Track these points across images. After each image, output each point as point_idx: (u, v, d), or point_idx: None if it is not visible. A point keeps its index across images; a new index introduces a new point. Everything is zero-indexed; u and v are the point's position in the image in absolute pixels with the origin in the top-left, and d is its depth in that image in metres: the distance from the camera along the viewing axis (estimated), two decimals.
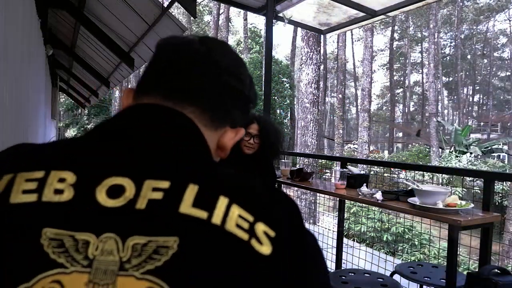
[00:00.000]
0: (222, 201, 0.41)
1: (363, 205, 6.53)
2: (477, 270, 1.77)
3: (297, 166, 3.04)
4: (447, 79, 35.96)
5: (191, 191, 0.40)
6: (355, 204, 7.80)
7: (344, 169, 2.74)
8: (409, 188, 2.05)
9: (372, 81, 16.49)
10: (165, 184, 0.40)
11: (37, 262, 0.36)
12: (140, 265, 0.36)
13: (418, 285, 2.22)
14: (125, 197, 0.39)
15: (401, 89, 37.75)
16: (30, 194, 0.39)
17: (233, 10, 23.64)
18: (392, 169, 5.45)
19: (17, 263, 0.36)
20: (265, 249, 0.40)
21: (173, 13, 4.23)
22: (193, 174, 0.43)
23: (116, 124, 0.49)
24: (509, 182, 9.63)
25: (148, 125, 0.48)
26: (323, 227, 4.79)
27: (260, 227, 0.41)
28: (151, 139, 0.46)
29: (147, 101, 0.51)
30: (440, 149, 17.33)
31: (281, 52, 38.13)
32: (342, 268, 2.96)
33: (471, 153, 13.99)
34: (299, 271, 0.42)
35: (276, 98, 17.64)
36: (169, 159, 0.44)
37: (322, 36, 9.95)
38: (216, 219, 0.39)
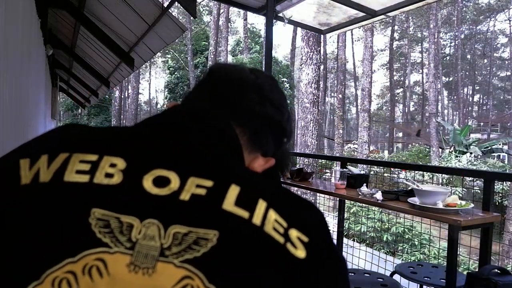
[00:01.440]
0: (261, 204, 0.42)
1: (363, 205, 6.53)
2: (477, 270, 1.77)
3: (297, 166, 3.04)
4: (447, 79, 35.97)
5: (233, 191, 0.42)
6: (355, 204, 7.80)
7: (344, 169, 2.74)
8: (409, 188, 2.05)
9: (372, 81, 16.49)
10: (209, 183, 0.42)
11: (83, 239, 0.37)
12: (179, 253, 0.37)
13: (418, 285, 2.22)
14: (169, 188, 0.41)
15: (401, 89, 37.76)
16: (83, 175, 0.41)
17: (233, 10, 23.66)
18: (392, 169, 5.45)
19: (65, 238, 0.37)
20: (300, 252, 0.41)
21: (173, 13, 4.23)
22: (235, 176, 0.45)
23: (167, 119, 0.52)
24: (509, 182, 9.63)
25: (198, 125, 0.51)
26: None
27: (294, 233, 0.42)
28: (199, 139, 0.49)
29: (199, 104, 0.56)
30: (440, 149, 17.33)
31: (281, 52, 38.17)
32: None
33: (471, 153, 13.99)
34: (331, 276, 0.43)
35: None
36: (214, 160, 0.46)
37: (322, 36, 9.95)
38: (256, 219, 0.41)
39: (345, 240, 3.40)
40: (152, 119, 0.52)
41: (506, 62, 34.43)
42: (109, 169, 0.42)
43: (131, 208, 0.39)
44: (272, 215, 0.42)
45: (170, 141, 0.47)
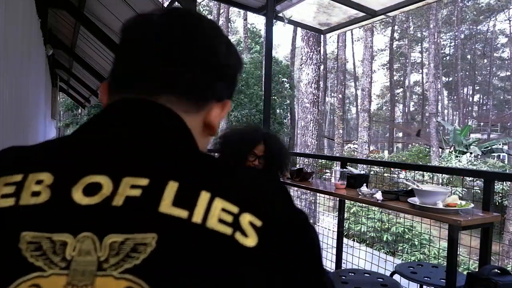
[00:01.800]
0: (204, 197, 0.40)
1: (363, 205, 6.53)
2: (477, 270, 1.77)
3: (297, 166, 3.04)
4: (447, 79, 35.96)
5: (171, 188, 0.39)
6: (355, 204, 7.80)
7: (344, 169, 2.74)
8: (409, 188, 2.05)
9: (372, 81, 16.49)
10: (144, 182, 0.39)
11: (16, 267, 0.35)
12: (118, 264, 0.35)
13: (418, 285, 2.22)
14: (101, 194, 0.38)
15: (401, 89, 37.75)
16: (8, 199, 0.39)
17: (233, 10, 23.66)
18: (392, 169, 5.45)
19: None
20: (250, 241, 0.39)
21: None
22: (173, 170, 0.42)
23: (94, 123, 0.48)
24: (509, 182, 9.63)
25: (125, 121, 0.47)
26: (323, 227, 4.79)
27: (246, 218, 0.40)
28: (129, 135, 0.45)
29: (123, 95, 0.49)
30: (440, 149, 17.33)
31: (281, 52, 38.13)
32: (342, 268, 2.96)
33: (471, 153, 13.99)
34: (290, 262, 0.40)
35: (276, 98, 17.63)
36: (148, 155, 0.43)
37: (322, 36, 9.95)
38: (197, 217, 0.38)
39: (345, 240, 3.40)
40: (82, 125, 0.48)
41: (506, 62, 34.42)
42: (36, 187, 0.39)
43: (63, 225, 0.37)
44: (218, 204, 0.39)
45: (99, 145, 0.43)
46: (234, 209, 0.40)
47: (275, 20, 3.54)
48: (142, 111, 0.47)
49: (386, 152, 25.74)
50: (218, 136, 2.71)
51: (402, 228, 7.02)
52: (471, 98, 37.86)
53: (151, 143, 0.45)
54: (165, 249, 0.36)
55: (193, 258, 0.37)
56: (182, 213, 0.38)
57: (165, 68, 0.49)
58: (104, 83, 0.53)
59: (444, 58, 34.67)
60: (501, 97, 36.67)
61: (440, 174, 6.64)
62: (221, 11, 17.07)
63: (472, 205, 1.84)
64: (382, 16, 3.40)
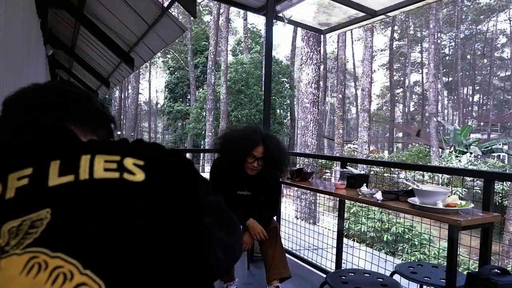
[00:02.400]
0: (85, 159, 0.45)
1: (363, 205, 6.54)
2: (477, 270, 1.77)
3: (297, 166, 3.04)
4: (447, 79, 35.95)
5: (54, 166, 0.44)
6: (355, 204, 7.80)
7: (344, 169, 2.74)
8: (409, 188, 2.05)
9: (372, 81, 16.48)
10: (28, 171, 0.44)
11: None
12: (19, 243, 0.39)
13: (418, 285, 2.22)
14: None
15: (401, 89, 37.74)
16: None
17: (233, 10, 23.65)
18: (392, 169, 5.45)
19: None
20: (138, 176, 0.44)
21: (173, 13, 4.23)
22: (52, 153, 0.46)
23: None
24: (509, 182, 9.63)
25: (11, 128, 0.52)
26: (323, 227, 4.79)
27: (129, 161, 0.45)
28: (8, 138, 0.50)
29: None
30: (440, 149, 17.32)
31: (281, 52, 38.16)
32: (342, 268, 2.96)
33: (471, 153, 13.98)
34: (176, 193, 0.46)
35: (276, 98, 17.62)
36: (30, 151, 0.47)
37: (322, 36, 9.95)
38: (83, 175, 0.43)
39: (345, 240, 3.40)
40: None
41: (506, 62, 34.40)
42: None
43: None
44: (100, 159, 0.45)
45: None
46: (116, 157, 0.45)
47: (275, 20, 3.54)
48: (31, 122, 0.53)
49: (386, 152, 25.74)
50: (217, 137, 2.71)
51: (402, 228, 7.03)
52: (471, 98, 37.84)
53: (34, 142, 0.49)
54: (61, 215, 0.40)
55: (88, 209, 0.41)
56: (69, 178, 0.43)
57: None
58: None
59: (444, 58, 34.66)
60: (501, 97, 36.66)
61: (440, 174, 6.64)
62: (221, 11, 17.07)
63: (472, 205, 1.84)
64: (382, 16, 3.39)
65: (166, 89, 25.64)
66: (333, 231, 3.22)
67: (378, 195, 2.13)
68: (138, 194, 0.43)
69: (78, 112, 0.58)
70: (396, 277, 2.23)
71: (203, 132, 17.63)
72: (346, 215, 5.59)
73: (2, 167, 0.45)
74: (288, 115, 21.40)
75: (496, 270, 1.65)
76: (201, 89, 20.16)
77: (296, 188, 2.82)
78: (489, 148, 15.18)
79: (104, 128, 0.62)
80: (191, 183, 0.49)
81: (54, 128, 0.53)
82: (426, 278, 2.10)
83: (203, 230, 0.47)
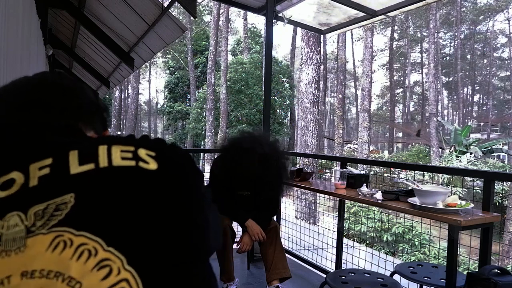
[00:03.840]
0: (102, 149, 0.48)
1: (363, 205, 6.53)
2: (477, 270, 1.77)
3: (297, 166, 3.04)
4: (447, 79, 35.95)
5: (73, 155, 0.47)
6: (355, 204, 7.80)
7: (344, 169, 2.74)
8: (409, 188, 2.05)
9: (372, 81, 16.48)
10: (48, 161, 0.47)
11: None
12: (44, 224, 0.42)
13: (418, 285, 2.22)
14: (17, 184, 0.45)
15: (401, 89, 37.74)
16: None
17: (233, 10, 23.65)
18: (392, 169, 5.45)
19: None
20: (152, 165, 0.48)
21: (173, 13, 4.23)
22: (70, 144, 0.49)
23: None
24: (509, 182, 9.63)
25: (25, 124, 0.55)
26: (323, 227, 4.79)
27: (142, 152, 0.50)
28: (25, 131, 0.53)
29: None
30: (440, 149, 17.32)
31: (281, 52, 38.14)
32: (342, 268, 2.96)
33: (471, 153, 13.98)
34: (184, 181, 0.51)
35: (276, 98, 17.62)
36: (47, 143, 0.51)
37: (322, 36, 9.95)
38: (103, 163, 0.47)
39: (345, 240, 3.40)
40: None
41: (506, 62, 34.39)
42: None
43: None
44: (116, 149, 0.49)
45: (3, 146, 0.51)
46: (130, 148, 0.50)
47: (275, 20, 3.54)
48: (43, 119, 0.57)
49: (386, 152, 25.75)
50: (218, 147, 2.66)
51: (402, 228, 7.03)
52: (471, 98, 37.84)
53: (50, 135, 0.54)
54: (84, 199, 0.44)
55: (108, 195, 0.45)
56: (90, 166, 0.46)
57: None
58: None
59: (444, 58, 34.67)
60: (501, 97, 36.65)
61: (440, 174, 6.64)
62: (221, 11, 17.07)
63: (472, 205, 1.84)
64: (382, 16, 3.39)
65: (166, 89, 25.65)
66: (333, 231, 3.22)
67: (378, 195, 2.13)
68: (152, 181, 0.47)
69: (75, 108, 0.62)
70: (396, 277, 2.23)
71: (203, 132, 17.64)
72: (346, 215, 5.59)
73: (22, 158, 0.48)
74: (288, 115, 21.40)
75: (496, 270, 1.65)
76: (201, 89, 20.18)
77: (296, 188, 2.82)
78: (489, 148, 15.18)
79: (99, 119, 0.67)
80: (194, 175, 0.53)
81: (64, 124, 0.58)
82: (426, 278, 2.10)
83: (207, 221, 0.52)
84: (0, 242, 0.41)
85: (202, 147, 19.28)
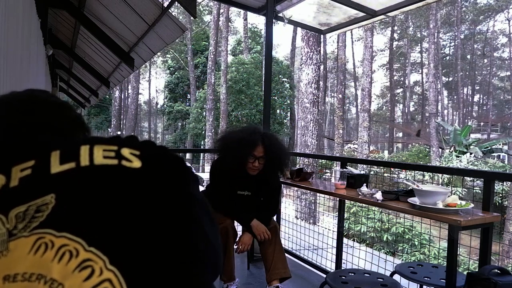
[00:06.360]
0: (84, 148, 0.48)
1: (363, 205, 6.53)
2: (477, 270, 1.77)
3: (297, 166, 3.04)
4: (447, 79, 35.94)
5: (55, 156, 0.47)
6: (355, 204, 7.80)
7: (344, 169, 2.74)
8: (409, 188, 2.05)
9: (372, 81, 16.47)
10: (31, 163, 0.46)
11: None
12: (26, 226, 0.42)
13: (418, 285, 2.22)
14: None
15: (401, 89, 37.73)
16: None
17: (233, 10, 23.64)
18: (392, 169, 5.45)
19: None
20: (136, 164, 0.48)
21: (173, 13, 4.23)
22: (53, 145, 0.49)
23: None
24: (509, 182, 9.63)
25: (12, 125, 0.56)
26: (323, 227, 4.79)
27: (126, 151, 0.49)
28: (15, 135, 0.54)
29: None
30: (440, 149, 17.32)
31: (281, 52, 38.13)
32: (342, 268, 2.96)
33: (471, 153, 13.97)
34: (172, 176, 0.50)
35: (276, 98, 17.62)
36: (31, 144, 0.51)
37: (322, 36, 9.95)
38: (84, 161, 0.46)
39: (345, 240, 3.40)
40: None
41: (506, 62, 34.37)
42: None
43: None
44: (99, 148, 0.48)
45: None
46: (113, 147, 0.49)
47: (275, 20, 3.54)
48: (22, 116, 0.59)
49: (386, 152, 25.75)
50: (217, 139, 2.71)
51: (402, 228, 7.03)
52: (471, 98, 37.83)
53: (33, 137, 0.54)
54: (65, 199, 0.43)
55: (90, 193, 0.44)
56: (71, 165, 0.46)
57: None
58: None
59: (444, 58, 34.66)
60: (501, 97, 36.64)
61: (440, 174, 6.64)
62: (221, 11, 17.07)
63: (472, 205, 1.84)
64: (382, 16, 3.39)
65: (166, 89, 25.64)
66: (333, 231, 3.22)
67: (378, 195, 2.13)
68: (136, 179, 0.47)
69: (60, 120, 0.63)
70: (396, 277, 2.23)
71: (203, 132, 17.63)
72: (346, 215, 5.58)
73: (5, 160, 0.48)
74: (288, 115, 21.38)
75: (496, 270, 1.65)
76: (201, 89, 20.16)
77: (296, 188, 2.83)
78: (489, 148, 15.17)
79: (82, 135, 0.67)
80: (183, 176, 0.52)
81: (49, 128, 0.58)
82: (426, 278, 2.10)
83: (195, 219, 0.51)
84: None
85: (202, 147, 19.28)
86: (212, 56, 16.34)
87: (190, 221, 0.50)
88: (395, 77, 36.04)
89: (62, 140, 0.53)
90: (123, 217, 0.44)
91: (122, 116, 24.67)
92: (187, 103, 23.79)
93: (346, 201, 3.31)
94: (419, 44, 34.56)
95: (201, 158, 13.91)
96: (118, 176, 0.46)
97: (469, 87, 37.00)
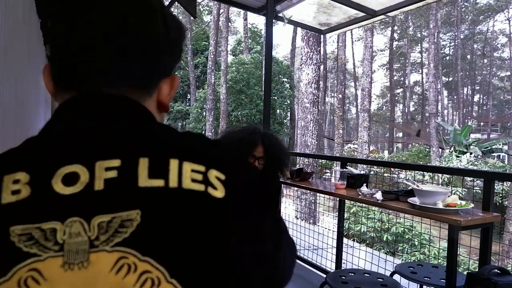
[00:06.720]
0: (173, 164, 0.44)
1: (363, 205, 6.54)
2: (477, 270, 1.77)
3: (297, 166, 3.04)
4: (447, 79, 35.94)
5: (143, 164, 0.43)
6: (355, 204, 7.80)
7: (344, 169, 2.74)
8: (409, 188, 2.05)
9: (372, 81, 16.47)
10: (116, 162, 0.43)
11: (11, 257, 0.38)
12: (108, 239, 0.39)
13: (418, 285, 2.22)
14: (81, 182, 0.41)
15: (401, 89, 37.73)
16: None
17: (233, 10, 23.65)
18: (392, 169, 5.45)
19: None
20: (219, 192, 0.44)
21: (173, 13, 4.22)
22: (140, 148, 0.45)
23: (60, 119, 0.50)
24: (509, 182, 9.63)
25: (90, 113, 0.49)
26: (323, 227, 4.78)
27: (213, 173, 0.45)
28: (96, 125, 0.47)
29: (80, 89, 0.50)
30: (440, 149, 17.32)
31: (281, 52, 38.11)
32: (342, 268, 2.96)
33: (471, 153, 13.98)
34: (252, 210, 0.46)
35: (276, 98, 17.61)
36: (114, 139, 0.46)
37: (322, 36, 9.96)
38: (173, 183, 0.43)
39: (345, 240, 3.40)
40: (48, 123, 0.51)
41: (506, 62, 34.37)
42: (13, 186, 0.41)
43: (49, 214, 0.40)
44: (187, 167, 0.44)
45: (67, 138, 0.46)
46: (201, 168, 0.45)
47: (275, 20, 3.54)
48: (104, 102, 0.49)
49: (386, 152, 25.75)
50: (217, 139, 2.72)
51: (402, 228, 7.03)
52: (471, 98, 37.84)
53: (116, 129, 0.47)
54: (150, 219, 0.40)
55: (175, 219, 0.41)
56: (160, 182, 0.42)
57: (119, 61, 0.50)
58: (47, 66, 0.52)
59: (444, 58, 34.66)
60: (501, 97, 36.64)
61: (440, 174, 6.64)
62: (221, 11, 17.07)
63: (472, 205, 1.84)
64: (382, 16, 3.39)
65: None
66: (333, 231, 3.22)
67: (378, 195, 2.13)
68: (218, 210, 0.44)
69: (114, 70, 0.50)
70: (396, 277, 2.23)
71: (203, 132, 17.63)
72: (346, 215, 5.58)
73: (88, 153, 0.44)
74: (288, 115, 21.38)
75: (496, 270, 1.65)
76: (201, 89, 20.16)
77: (296, 188, 2.82)
78: (489, 148, 15.18)
79: (170, 59, 0.56)
80: (269, 205, 0.49)
81: (126, 105, 0.50)
82: (426, 278, 2.10)
83: (276, 255, 0.48)
84: (62, 251, 0.39)
85: None
86: (212, 56, 16.34)
87: (274, 261, 0.47)
88: (395, 77, 36.04)
89: (153, 142, 0.47)
90: (204, 250, 0.41)
91: None
92: (187, 103, 23.78)
93: (346, 201, 3.31)
94: (419, 44, 34.57)
95: None
96: (203, 206, 0.43)
97: (469, 87, 37.00)
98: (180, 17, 23.07)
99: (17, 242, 0.39)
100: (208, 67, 17.00)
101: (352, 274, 2.25)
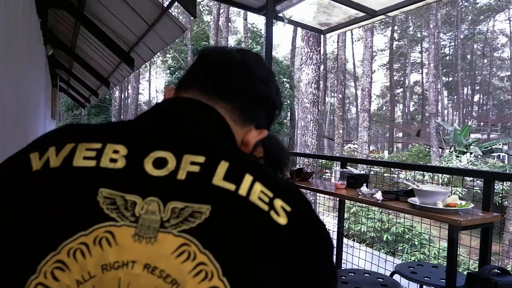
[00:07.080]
0: (248, 178, 0.48)
1: (363, 205, 6.53)
2: (477, 270, 1.77)
3: (297, 166, 3.04)
4: (447, 79, 35.95)
5: (223, 166, 0.47)
6: (355, 204, 7.80)
7: (344, 169, 2.74)
8: (409, 188, 2.05)
9: (372, 81, 16.47)
10: (201, 159, 0.48)
11: (93, 215, 0.43)
12: (177, 224, 0.43)
13: (418, 285, 2.22)
14: (167, 168, 0.46)
15: (401, 89, 37.74)
16: (90, 160, 0.47)
17: (233, 10, 23.65)
18: (392, 169, 5.45)
19: (77, 214, 0.43)
20: (282, 220, 0.46)
21: (173, 13, 4.23)
22: (224, 153, 0.50)
23: (159, 111, 0.59)
24: (509, 182, 9.62)
25: (184, 113, 0.57)
26: None
27: (278, 203, 0.48)
28: (188, 124, 0.55)
29: (185, 95, 0.61)
30: (440, 149, 17.33)
31: (281, 52, 38.11)
32: (342, 268, 2.96)
33: (471, 153, 13.98)
34: (311, 245, 0.48)
35: None
36: (203, 140, 0.53)
37: (322, 36, 9.96)
38: (242, 191, 0.46)
39: (345, 240, 3.40)
40: (146, 112, 0.58)
41: (506, 62, 34.38)
42: (113, 155, 0.47)
43: (134, 188, 0.45)
44: (258, 187, 0.47)
45: (163, 128, 0.54)
46: (270, 193, 0.48)
47: (275, 20, 3.54)
48: (197, 109, 0.59)
49: (386, 152, 25.76)
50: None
51: (402, 228, 7.03)
52: (471, 98, 37.84)
53: (205, 132, 0.56)
54: (217, 217, 0.44)
55: (237, 224, 0.44)
56: (231, 186, 0.46)
57: (232, 82, 0.62)
58: (170, 86, 0.66)
59: (444, 58, 34.67)
60: (501, 97, 36.65)
61: (440, 174, 6.64)
62: (221, 11, 17.07)
63: (472, 205, 1.84)
64: (382, 16, 3.39)
65: None
66: (333, 231, 3.22)
67: (378, 195, 2.13)
68: (278, 234, 0.46)
69: (238, 90, 0.62)
70: (396, 277, 2.23)
71: None
72: (346, 215, 5.58)
73: (180, 145, 0.49)
74: (288, 115, 21.38)
75: (496, 270, 1.65)
76: None
77: None
78: (489, 148, 15.18)
79: (264, 114, 0.66)
80: (324, 252, 0.51)
81: (211, 116, 0.58)
82: (426, 278, 2.10)
83: None
84: (136, 223, 0.43)
85: None
86: None
87: None
88: (395, 77, 36.05)
89: (235, 154, 0.53)
90: (257, 264, 0.43)
91: (122, 116, 24.67)
92: None
93: (346, 201, 3.31)
94: (419, 44, 34.58)
95: None
96: (265, 223, 0.45)
97: (469, 87, 37.01)
98: (180, 17, 23.12)
99: (101, 203, 0.43)
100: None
101: (352, 274, 2.25)
